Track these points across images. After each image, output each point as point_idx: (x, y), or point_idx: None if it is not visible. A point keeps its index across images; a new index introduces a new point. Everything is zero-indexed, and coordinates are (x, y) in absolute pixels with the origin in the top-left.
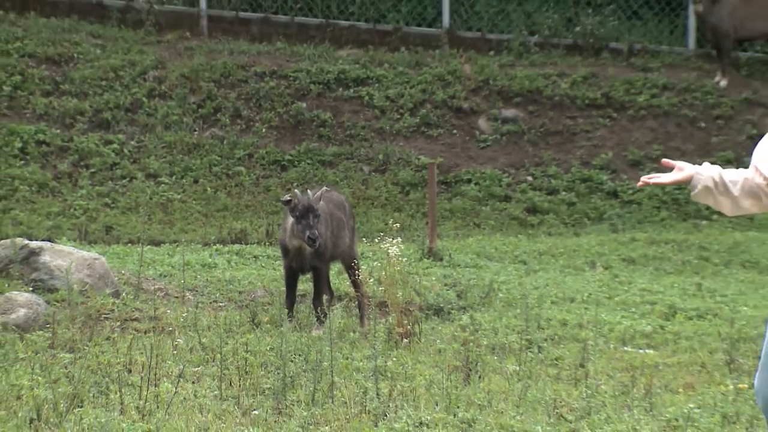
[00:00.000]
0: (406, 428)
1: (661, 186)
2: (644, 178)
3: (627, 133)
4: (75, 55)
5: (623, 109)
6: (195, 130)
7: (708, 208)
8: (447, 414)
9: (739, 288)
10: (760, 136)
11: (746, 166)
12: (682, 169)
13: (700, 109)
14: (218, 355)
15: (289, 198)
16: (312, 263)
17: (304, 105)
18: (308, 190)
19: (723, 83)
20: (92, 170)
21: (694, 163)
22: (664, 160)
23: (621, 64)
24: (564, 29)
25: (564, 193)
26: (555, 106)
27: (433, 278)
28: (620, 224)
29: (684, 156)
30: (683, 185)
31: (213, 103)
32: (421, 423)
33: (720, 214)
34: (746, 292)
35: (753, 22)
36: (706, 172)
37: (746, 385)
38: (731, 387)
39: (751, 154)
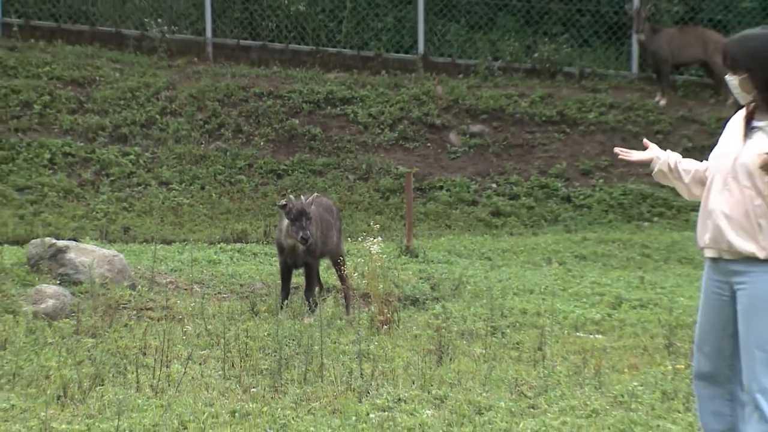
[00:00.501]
0: (386, 404)
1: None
2: (618, 150)
3: (579, 146)
4: (97, 77)
5: (575, 125)
6: (201, 143)
7: (649, 210)
8: (422, 391)
9: (676, 281)
10: (695, 148)
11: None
12: (650, 151)
13: (642, 125)
14: (222, 340)
15: (284, 203)
16: (304, 259)
17: (297, 121)
18: (301, 196)
19: (662, 103)
20: (112, 178)
21: (632, 174)
22: (645, 140)
23: (573, 86)
24: (523, 55)
25: (524, 198)
26: (516, 123)
27: (410, 272)
28: (573, 225)
29: (628, 166)
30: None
31: (217, 119)
32: (399, 399)
33: (660, 216)
34: (683, 284)
35: (687, 50)
36: (664, 157)
37: (683, 366)
38: (670, 367)
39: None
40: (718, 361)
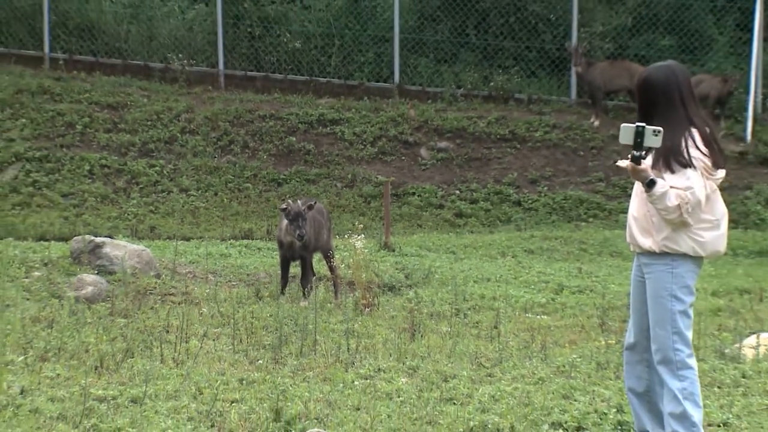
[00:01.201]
0: (368, 373)
1: (555, 195)
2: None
3: (527, 159)
4: (128, 102)
5: (524, 141)
6: (215, 157)
7: (585, 212)
8: (398, 362)
9: (608, 271)
10: None
11: (613, 184)
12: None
13: (579, 142)
14: (232, 320)
15: (285, 206)
16: (300, 253)
17: (294, 139)
18: (298, 201)
19: (596, 123)
20: (141, 186)
21: (571, 182)
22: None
23: (523, 110)
24: (481, 84)
25: (482, 202)
26: (475, 140)
27: (388, 264)
28: (523, 225)
29: (568, 176)
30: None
31: (228, 137)
32: (379, 369)
33: (594, 217)
34: (613, 273)
35: (617, 80)
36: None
37: (613, 341)
38: (603, 342)
39: (615, 176)
40: (638, 333)
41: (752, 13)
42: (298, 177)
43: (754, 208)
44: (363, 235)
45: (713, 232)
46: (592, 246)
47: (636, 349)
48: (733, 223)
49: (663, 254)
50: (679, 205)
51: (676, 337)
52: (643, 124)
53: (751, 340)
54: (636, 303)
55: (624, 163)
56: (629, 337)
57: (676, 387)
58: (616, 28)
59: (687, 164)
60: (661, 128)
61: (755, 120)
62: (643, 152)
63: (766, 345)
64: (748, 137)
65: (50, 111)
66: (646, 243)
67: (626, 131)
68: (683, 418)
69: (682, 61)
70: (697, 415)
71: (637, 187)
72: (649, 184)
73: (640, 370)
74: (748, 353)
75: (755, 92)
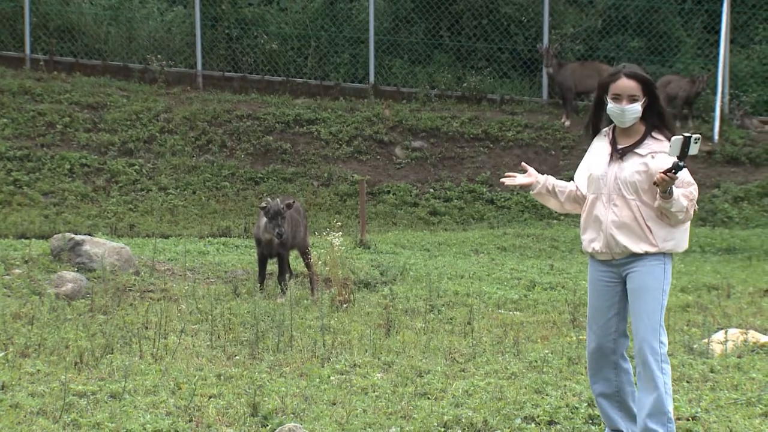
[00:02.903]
0: (344, 368)
1: (516, 191)
2: (504, 179)
3: (500, 158)
4: (108, 102)
5: (497, 141)
6: (193, 156)
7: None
8: (373, 358)
9: (579, 268)
10: None
11: None
12: (530, 175)
13: (551, 142)
14: (210, 317)
15: (264, 204)
16: (278, 251)
17: (271, 138)
18: (277, 199)
19: (567, 123)
20: (120, 185)
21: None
22: (523, 164)
23: (495, 110)
24: (455, 85)
25: (456, 200)
26: (449, 139)
27: (363, 261)
28: (495, 223)
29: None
30: (526, 189)
31: (206, 137)
32: (354, 364)
33: (565, 215)
34: (584, 270)
35: (587, 81)
36: (543, 181)
37: (584, 337)
38: (574, 338)
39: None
40: (604, 337)
41: (719, 15)
42: (275, 176)
43: (721, 206)
44: (339, 233)
45: (687, 227)
46: (564, 243)
47: (602, 353)
48: (701, 221)
49: (656, 253)
50: (688, 204)
51: (661, 330)
52: (690, 134)
53: (719, 335)
54: (601, 308)
55: (631, 173)
56: (592, 341)
57: (659, 379)
58: (586, 30)
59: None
60: (700, 135)
61: (723, 120)
62: (686, 162)
63: (733, 340)
64: (716, 137)
65: (31, 111)
66: (640, 246)
67: (676, 143)
68: (660, 412)
69: (651, 62)
70: (671, 409)
71: (614, 198)
72: (670, 192)
73: (607, 373)
74: (716, 348)
75: (722, 93)
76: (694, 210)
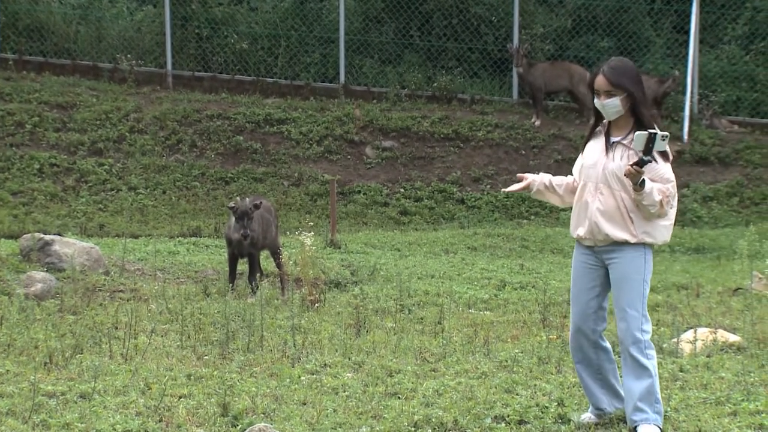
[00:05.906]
0: (315, 368)
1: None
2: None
3: (470, 158)
4: (77, 102)
5: (468, 141)
6: (163, 156)
7: (527, 210)
8: (344, 358)
9: (549, 267)
10: (564, 160)
11: None
12: (526, 179)
13: (521, 141)
14: (180, 317)
15: (233, 205)
16: (248, 251)
17: (242, 138)
18: (246, 199)
19: (537, 123)
20: (90, 184)
21: (513, 180)
22: (519, 175)
23: (466, 109)
24: (425, 84)
25: (426, 200)
26: (420, 139)
27: (334, 261)
28: (466, 223)
29: (510, 174)
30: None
31: (176, 136)
32: (325, 364)
33: (536, 215)
34: (554, 270)
35: (557, 81)
36: (539, 179)
37: (555, 337)
38: (544, 338)
39: (557, 173)
40: (584, 317)
41: (689, 15)
42: (245, 175)
43: (690, 206)
44: (310, 233)
45: (669, 221)
46: (534, 243)
47: (583, 333)
48: None
49: (636, 243)
50: (662, 199)
51: (643, 319)
52: (655, 131)
53: (689, 335)
54: (583, 289)
55: (615, 165)
56: (573, 323)
57: (646, 365)
58: (556, 30)
59: (666, 159)
60: (668, 133)
61: (692, 120)
62: (652, 157)
63: (702, 340)
64: (685, 137)
65: (0, 111)
66: (621, 235)
67: (639, 138)
68: (649, 393)
69: None
70: (658, 390)
71: (600, 186)
72: (641, 184)
73: (587, 351)
74: (686, 348)
75: (692, 93)
76: (671, 208)
